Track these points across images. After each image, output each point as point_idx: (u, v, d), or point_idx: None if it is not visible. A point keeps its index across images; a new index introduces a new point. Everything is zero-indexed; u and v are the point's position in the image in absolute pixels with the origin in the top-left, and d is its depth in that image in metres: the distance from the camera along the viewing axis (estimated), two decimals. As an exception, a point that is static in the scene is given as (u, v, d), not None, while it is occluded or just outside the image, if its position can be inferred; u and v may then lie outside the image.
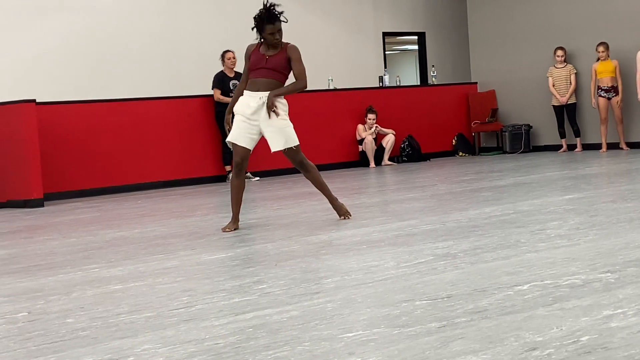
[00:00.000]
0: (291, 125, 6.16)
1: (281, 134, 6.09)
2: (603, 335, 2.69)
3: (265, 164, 12.35)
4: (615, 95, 12.66)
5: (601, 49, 12.55)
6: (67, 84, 11.57)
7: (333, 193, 6.38)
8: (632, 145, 12.72)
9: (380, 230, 5.66)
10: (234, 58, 11.80)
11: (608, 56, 12.61)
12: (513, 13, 14.32)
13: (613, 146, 12.80)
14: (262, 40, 6.16)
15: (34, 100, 9.93)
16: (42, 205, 9.76)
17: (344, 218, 6.30)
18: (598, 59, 12.65)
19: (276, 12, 6.06)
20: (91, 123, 11.06)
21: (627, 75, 12.66)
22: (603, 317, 2.91)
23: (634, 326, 2.77)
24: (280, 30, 6.09)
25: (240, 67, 11.93)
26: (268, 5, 6.08)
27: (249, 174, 11.97)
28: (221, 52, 11.84)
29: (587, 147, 13.19)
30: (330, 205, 6.43)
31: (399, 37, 16.23)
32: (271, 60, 6.12)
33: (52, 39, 11.57)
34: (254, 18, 6.12)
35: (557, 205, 6.33)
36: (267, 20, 6.04)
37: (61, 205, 9.84)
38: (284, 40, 6.18)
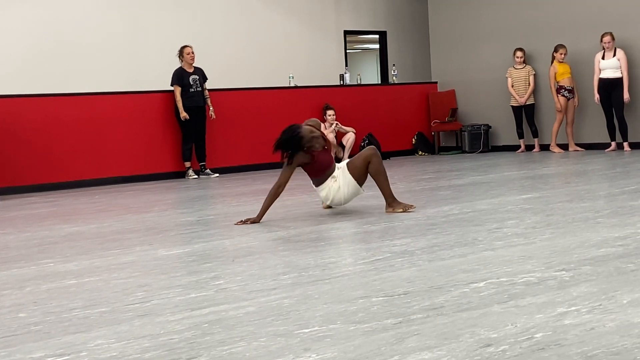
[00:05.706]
0: (341, 188, 6.35)
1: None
2: (557, 332, 2.71)
3: (225, 161, 12.30)
4: (573, 97, 12.81)
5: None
6: (23, 77, 11.40)
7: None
8: (582, 147, 12.87)
9: (339, 228, 5.66)
10: (192, 53, 11.75)
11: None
12: (474, 14, 14.42)
13: (563, 147, 12.93)
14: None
15: (-11, 93, 9.80)
16: (-3, 200, 9.63)
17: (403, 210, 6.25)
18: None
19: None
20: (48, 117, 10.93)
21: (584, 77, 12.79)
22: (557, 315, 2.93)
23: (588, 323, 2.79)
24: None
25: (197, 62, 11.89)
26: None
27: (208, 170, 11.91)
28: (179, 48, 11.79)
29: (544, 147, 13.31)
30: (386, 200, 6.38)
31: (360, 35, 16.26)
32: None
33: (9, 32, 11.40)
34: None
35: (514, 204, 6.38)
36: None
37: (16, 199, 9.70)
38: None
